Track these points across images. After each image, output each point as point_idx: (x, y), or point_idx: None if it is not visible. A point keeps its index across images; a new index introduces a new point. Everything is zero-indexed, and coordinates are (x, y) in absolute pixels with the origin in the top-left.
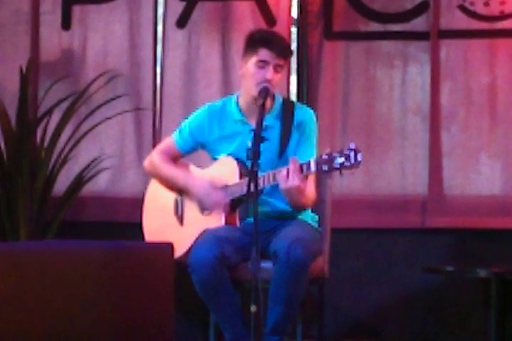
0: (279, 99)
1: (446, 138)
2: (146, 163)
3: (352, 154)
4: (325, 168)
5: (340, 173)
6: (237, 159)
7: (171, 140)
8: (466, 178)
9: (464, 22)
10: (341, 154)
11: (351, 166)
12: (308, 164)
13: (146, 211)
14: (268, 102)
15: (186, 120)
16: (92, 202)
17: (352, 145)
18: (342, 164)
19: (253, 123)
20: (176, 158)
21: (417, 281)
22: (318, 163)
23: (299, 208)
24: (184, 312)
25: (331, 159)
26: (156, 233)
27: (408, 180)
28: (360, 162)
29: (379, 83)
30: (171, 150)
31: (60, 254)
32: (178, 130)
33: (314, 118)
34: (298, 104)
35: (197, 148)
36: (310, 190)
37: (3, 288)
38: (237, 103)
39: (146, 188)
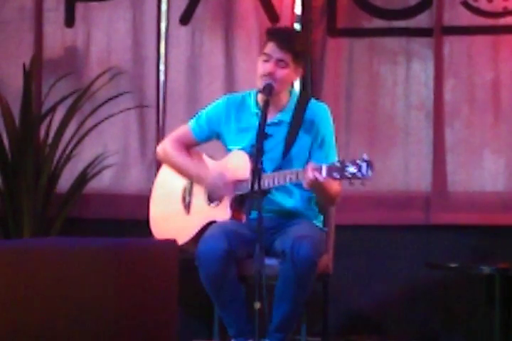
0: (295, 95)
1: (450, 135)
2: (159, 149)
3: (364, 165)
4: (336, 175)
5: (351, 183)
6: (249, 154)
7: (186, 127)
8: (470, 174)
9: (467, 18)
10: (354, 164)
11: (362, 177)
12: (320, 169)
13: (153, 195)
14: (283, 99)
15: (204, 108)
16: (96, 199)
17: (365, 157)
18: (354, 174)
19: (269, 118)
20: (189, 145)
21: (421, 278)
22: (329, 170)
23: (327, 204)
24: (188, 308)
25: (342, 167)
26: (161, 218)
27: (412, 177)
28: (371, 175)
29: (383, 79)
30: (186, 137)
31: (64, 251)
32: (195, 118)
33: (328, 116)
34: (313, 100)
35: (212, 138)
36: (333, 185)
37: (7, 285)
38: (256, 97)
39: (149, 185)
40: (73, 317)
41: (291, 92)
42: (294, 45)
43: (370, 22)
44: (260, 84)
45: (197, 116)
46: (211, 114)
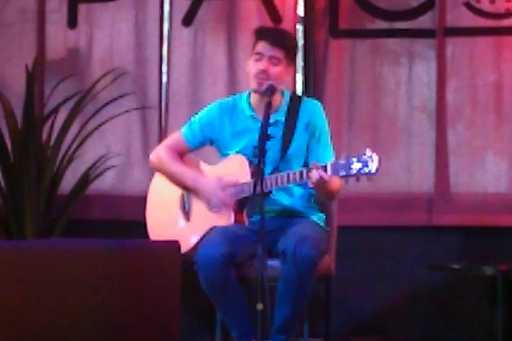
0: (287, 95)
1: (453, 136)
2: (152, 157)
3: (369, 160)
4: (342, 173)
5: (357, 179)
6: (248, 157)
7: (179, 134)
8: (472, 176)
9: (469, 19)
10: (358, 159)
11: (368, 173)
12: (325, 167)
13: (150, 204)
14: (276, 99)
15: (196, 115)
16: (98, 201)
17: (369, 152)
18: (359, 170)
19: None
20: (183, 152)
21: (423, 279)
22: (334, 168)
23: (328, 200)
24: (191, 310)
25: (348, 164)
26: (160, 227)
27: (414, 178)
28: (377, 170)
29: (385, 81)
30: (179, 144)
31: (66, 253)
32: (187, 124)
33: (322, 112)
34: (305, 98)
35: (205, 144)
36: (335, 181)
37: (9, 286)
38: (248, 99)
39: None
40: (75, 318)
41: (282, 92)
42: (285, 41)
43: (372, 23)
44: (254, 84)
45: (189, 122)
46: (204, 119)
